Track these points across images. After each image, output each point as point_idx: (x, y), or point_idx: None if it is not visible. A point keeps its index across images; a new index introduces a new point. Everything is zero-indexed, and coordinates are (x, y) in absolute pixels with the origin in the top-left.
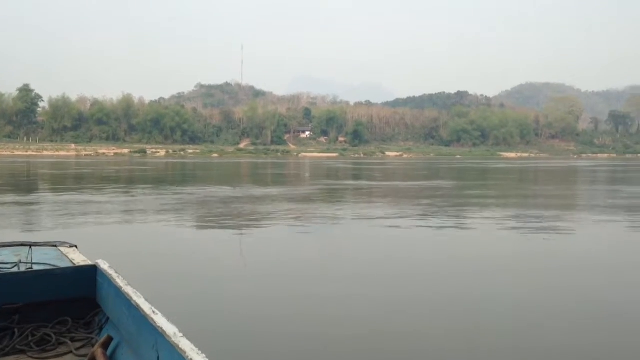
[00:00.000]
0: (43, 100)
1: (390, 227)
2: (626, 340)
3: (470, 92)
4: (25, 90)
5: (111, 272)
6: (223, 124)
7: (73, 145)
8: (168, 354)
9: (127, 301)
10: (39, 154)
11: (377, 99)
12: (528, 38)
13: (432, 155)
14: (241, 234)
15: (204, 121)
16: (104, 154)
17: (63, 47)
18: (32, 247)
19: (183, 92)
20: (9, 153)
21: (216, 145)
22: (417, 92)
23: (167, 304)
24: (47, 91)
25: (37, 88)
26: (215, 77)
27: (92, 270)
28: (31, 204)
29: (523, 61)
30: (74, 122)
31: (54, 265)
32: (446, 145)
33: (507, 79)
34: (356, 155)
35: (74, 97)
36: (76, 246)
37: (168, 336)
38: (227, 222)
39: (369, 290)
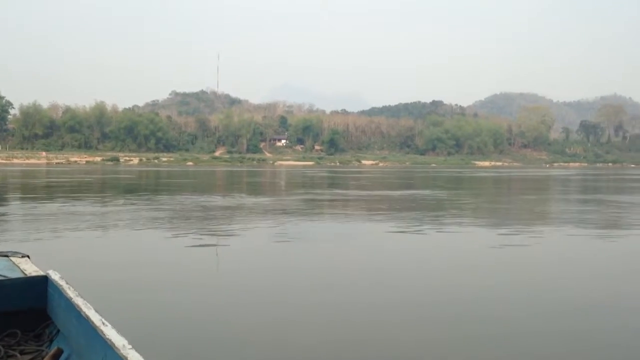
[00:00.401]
0: (14, 107)
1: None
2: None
3: (445, 101)
4: None
5: (62, 283)
6: (198, 132)
7: (44, 153)
8: None
9: (77, 312)
10: (9, 162)
11: (354, 107)
12: (502, 49)
13: (407, 163)
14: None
15: (179, 129)
16: (75, 162)
17: (36, 53)
18: None
19: (157, 100)
20: None
21: (191, 154)
22: (393, 101)
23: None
24: (18, 98)
25: (7, 95)
26: (190, 85)
27: (43, 281)
28: None
29: (497, 72)
30: (45, 130)
31: (3, 276)
32: (421, 154)
33: (481, 89)
34: (332, 164)
35: (45, 104)
36: (28, 256)
37: (117, 348)
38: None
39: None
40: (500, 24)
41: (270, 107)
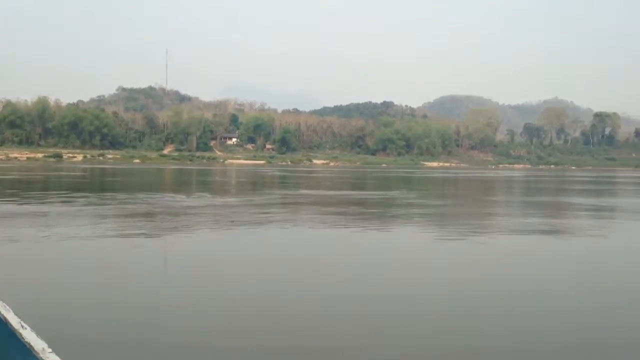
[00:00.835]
0: None
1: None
2: None
3: (396, 102)
4: None
5: None
6: (146, 129)
7: None
8: None
9: None
10: None
11: (306, 107)
12: (451, 51)
13: (358, 163)
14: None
15: (126, 126)
16: (16, 158)
17: None
18: None
19: (103, 95)
20: None
21: (138, 151)
22: (345, 101)
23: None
24: None
25: None
26: (138, 81)
27: None
28: None
29: (446, 74)
30: None
31: None
32: (372, 154)
33: (431, 91)
34: (283, 163)
35: None
36: None
37: (36, 352)
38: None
39: None
40: (452, 33)
41: (221, 104)
